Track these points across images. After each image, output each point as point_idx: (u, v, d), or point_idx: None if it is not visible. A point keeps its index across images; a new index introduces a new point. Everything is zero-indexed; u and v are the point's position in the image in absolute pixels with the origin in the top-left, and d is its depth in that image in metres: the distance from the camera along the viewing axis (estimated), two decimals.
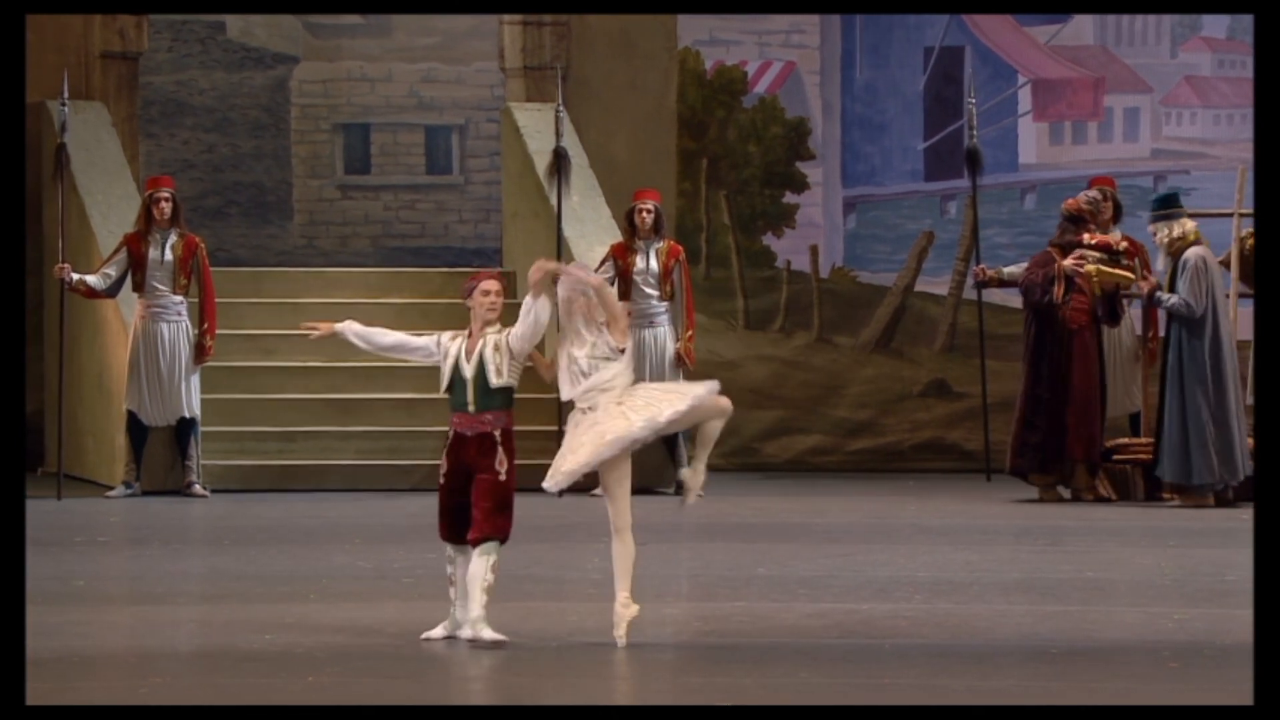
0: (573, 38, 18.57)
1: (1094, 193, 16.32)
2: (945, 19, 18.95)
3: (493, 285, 10.55)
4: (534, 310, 10.47)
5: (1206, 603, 11.84)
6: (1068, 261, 15.94)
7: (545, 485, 10.51)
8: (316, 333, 10.73)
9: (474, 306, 10.54)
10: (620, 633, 10.37)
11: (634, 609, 10.37)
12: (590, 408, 10.44)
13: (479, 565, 10.36)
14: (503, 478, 10.42)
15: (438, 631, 10.47)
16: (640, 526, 14.74)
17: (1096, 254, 15.99)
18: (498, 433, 10.44)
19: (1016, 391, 16.41)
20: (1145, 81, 19.19)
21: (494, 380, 10.44)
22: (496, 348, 10.47)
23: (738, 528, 14.85)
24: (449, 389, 10.51)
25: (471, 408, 10.45)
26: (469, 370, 10.46)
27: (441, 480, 10.51)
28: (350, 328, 10.68)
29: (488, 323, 10.52)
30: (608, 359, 10.43)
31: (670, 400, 10.43)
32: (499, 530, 10.43)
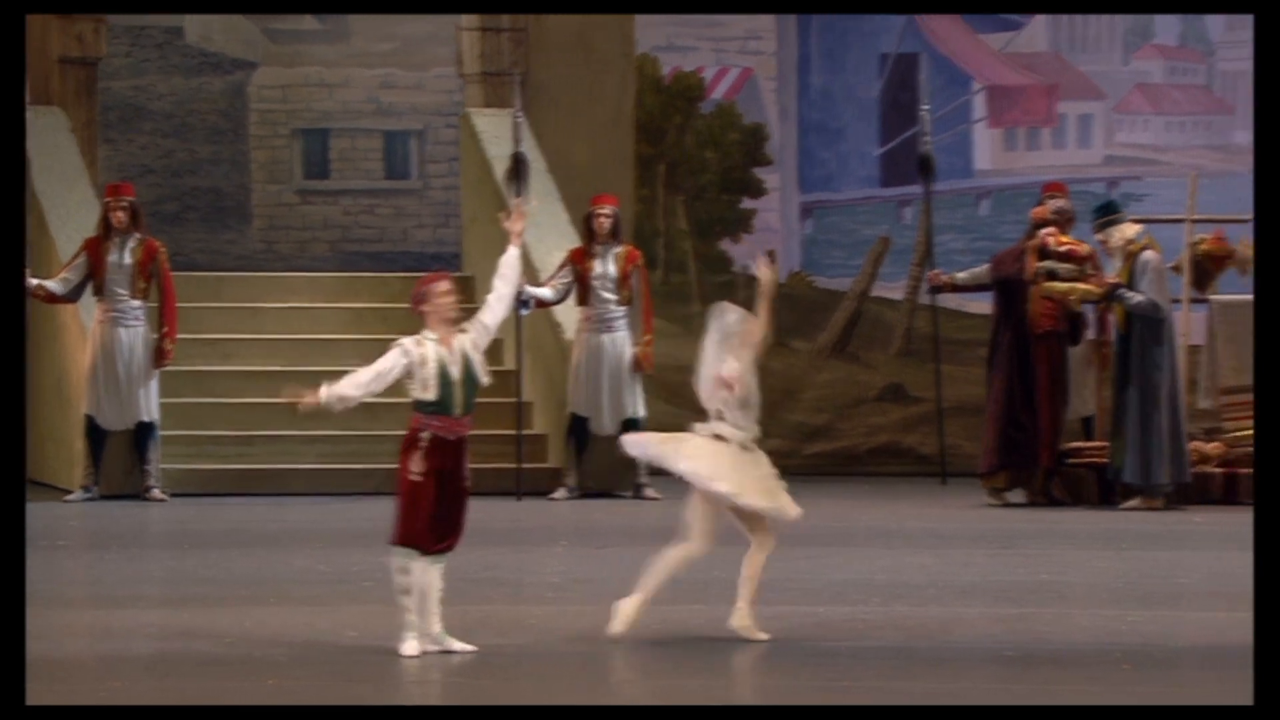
0: (530, 44, 18.57)
1: (1062, 202, 16.37)
2: (901, 25, 18.98)
3: (449, 284, 10.45)
4: (505, 289, 10.35)
5: (1159, 605, 11.88)
6: (1038, 272, 16.01)
7: (681, 469, 10.52)
8: (303, 404, 10.38)
9: (435, 309, 10.32)
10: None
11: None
12: (744, 446, 10.55)
13: (438, 575, 10.26)
14: (469, 484, 10.35)
15: (414, 646, 10.15)
16: (596, 530, 14.75)
17: (1065, 266, 16.04)
18: (468, 436, 10.34)
19: (972, 395, 16.45)
20: (1098, 88, 19.25)
21: (483, 379, 10.30)
22: (475, 346, 10.34)
23: None
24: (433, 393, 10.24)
25: (459, 410, 10.25)
26: (457, 372, 10.30)
27: (419, 486, 10.18)
28: (331, 395, 10.27)
29: (454, 322, 10.37)
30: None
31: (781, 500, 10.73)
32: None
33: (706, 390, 10.69)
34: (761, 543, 10.72)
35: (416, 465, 10.20)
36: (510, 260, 10.56)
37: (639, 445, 11.10)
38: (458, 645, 10.22)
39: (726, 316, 10.72)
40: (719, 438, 10.62)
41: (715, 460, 10.56)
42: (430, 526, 10.21)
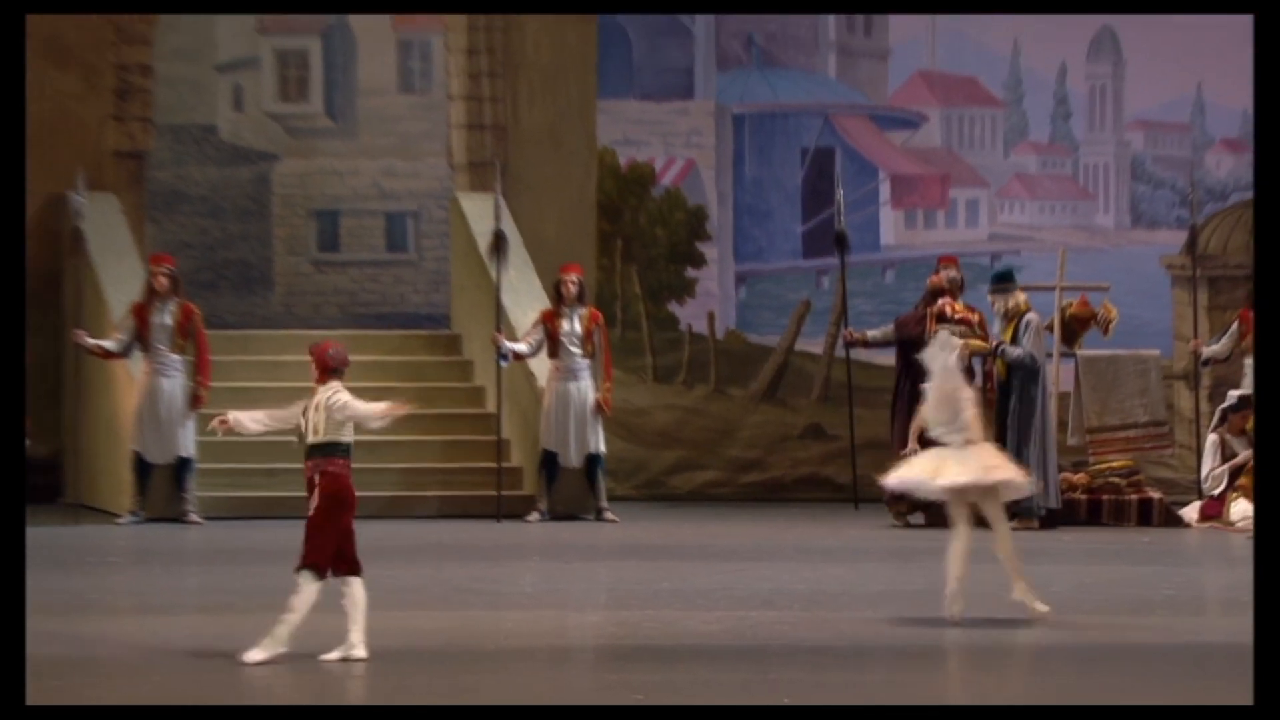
0: (510, 138, 18.47)
1: (953, 272, 16.34)
2: (819, 125, 18.91)
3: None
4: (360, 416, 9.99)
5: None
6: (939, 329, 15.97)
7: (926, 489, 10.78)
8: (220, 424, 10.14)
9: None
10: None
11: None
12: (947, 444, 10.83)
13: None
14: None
15: (337, 654, 9.75)
16: (564, 547, 14.60)
17: (960, 328, 16.00)
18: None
19: (880, 434, 16.33)
20: (983, 178, 19.20)
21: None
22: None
23: (647, 548, 14.71)
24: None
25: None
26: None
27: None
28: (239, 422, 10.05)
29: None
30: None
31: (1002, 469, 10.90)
32: None
33: (937, 407, 10.85)
34: (996, 524, 10.83)
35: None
36: (367, 411, 10.08)
37: (898, 481, 11.19)
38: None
39: (949, 353, 10.94)
40: (940, 446, 10.86)
41: (938, 463, 10.71)
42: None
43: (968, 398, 10.85)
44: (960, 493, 10.78)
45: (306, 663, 9.81)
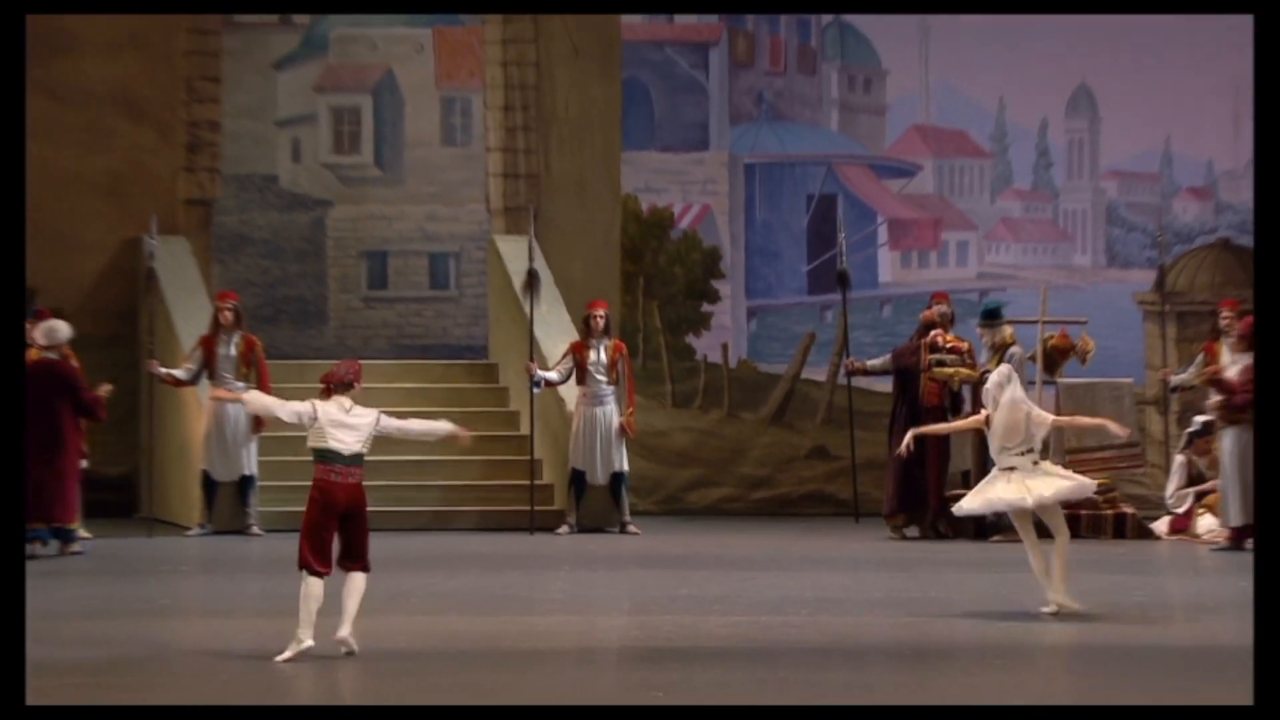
0: (542, 187, 18.54)
1: (944, 307, 16.40)
2: (823, 173, 18.99)
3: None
4: (418, 429, 10.04)
5: (1022, 617, 11.77)
6: (934, 369, 16.02)
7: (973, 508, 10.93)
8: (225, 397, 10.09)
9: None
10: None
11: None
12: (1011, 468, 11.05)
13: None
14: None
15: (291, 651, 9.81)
16: (590, 558, 14.64)
17: (951, 357, 16.06)
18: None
19: (879, 454, 16.36)
20: (971, 222, 19.24)
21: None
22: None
23: (666, 558, 14.73)
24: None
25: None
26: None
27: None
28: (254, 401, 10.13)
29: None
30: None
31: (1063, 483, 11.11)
32: None
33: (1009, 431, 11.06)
34: (1059, 532, 11.05)
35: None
36: (431, 429, 10.19)
37: (984, 505, 11.35)
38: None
39: (1014, 385, 11.07)
40: (1011, 469, 11.01)
41: (1020, 484, 10.95)
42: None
43: (1040, 422, 11.04)
44: (1046, 507, 11.03)
45: (362, 661, 9.87)
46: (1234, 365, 15.19)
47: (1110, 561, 14.59)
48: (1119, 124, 19.07)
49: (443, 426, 10.04)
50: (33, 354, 14.76)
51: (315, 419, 9.85)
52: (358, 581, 9.86)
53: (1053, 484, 11.03)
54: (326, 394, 9.98)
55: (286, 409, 9.99)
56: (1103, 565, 14.32)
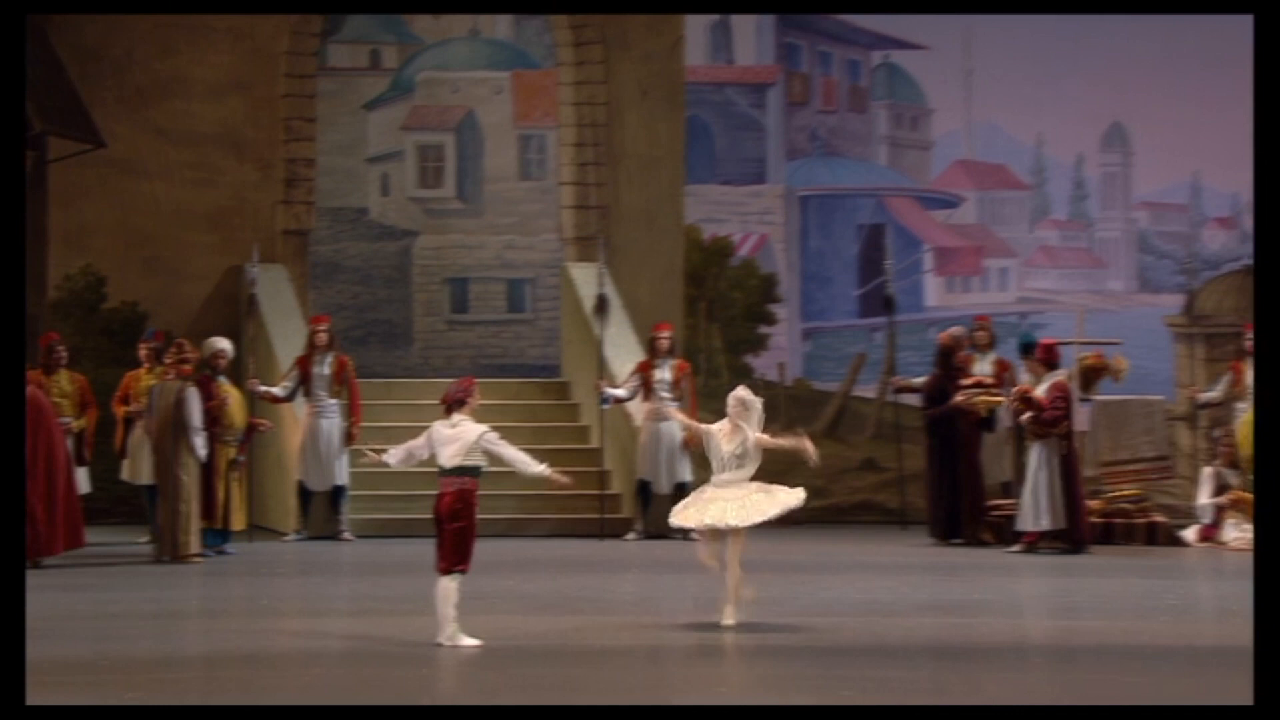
0: (611, 217, 18.59)
1: (958, 329, 16.34)
2: (872, 205, 18.96)
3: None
4: (520, 461, 10.07)
5: (1060, 616, 11.69)
6: (959, 399, 15.91)
7: (681, 523, 10.41)
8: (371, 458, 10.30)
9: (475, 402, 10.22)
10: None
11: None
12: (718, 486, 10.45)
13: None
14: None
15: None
16: (657, 562, 14.62)
17: (976, 389, 15.99)
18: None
19: (924, 467, 16.30)
20: (1012, 249, 19.16)
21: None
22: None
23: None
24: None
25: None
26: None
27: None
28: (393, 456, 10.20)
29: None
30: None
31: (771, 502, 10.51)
32: None
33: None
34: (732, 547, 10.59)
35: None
36: (526, 464, 10.23)
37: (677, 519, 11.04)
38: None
39: (756, 403, 10.84)
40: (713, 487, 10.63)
41: (697, 505, 10.56)
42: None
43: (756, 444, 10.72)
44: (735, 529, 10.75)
45: (445, 659, 9.88)
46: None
47: (1142, 567, 14.47)
48: (1150, 159, 18.98)
49: (538, 467, 10.12)
50: (142, 374, 14.92)
51: (426, 444, 9.97)
52: (441, 584, 9.93)
53: (709, 514, 10.69)
54: (446, 412, 10.08)
55: (411, 449, 10.11)
56: (1133, 571, 14.21)
